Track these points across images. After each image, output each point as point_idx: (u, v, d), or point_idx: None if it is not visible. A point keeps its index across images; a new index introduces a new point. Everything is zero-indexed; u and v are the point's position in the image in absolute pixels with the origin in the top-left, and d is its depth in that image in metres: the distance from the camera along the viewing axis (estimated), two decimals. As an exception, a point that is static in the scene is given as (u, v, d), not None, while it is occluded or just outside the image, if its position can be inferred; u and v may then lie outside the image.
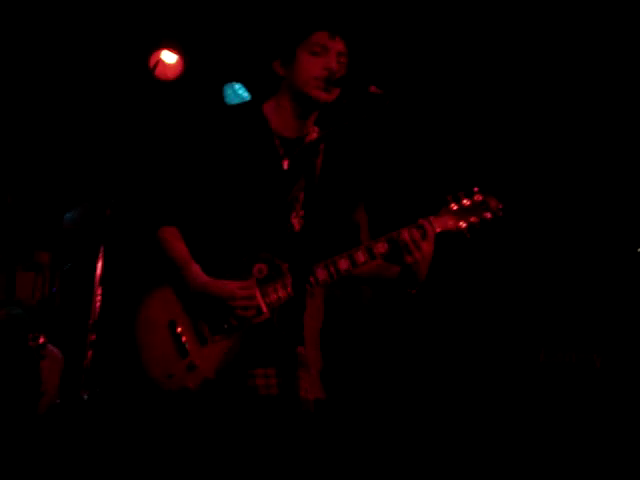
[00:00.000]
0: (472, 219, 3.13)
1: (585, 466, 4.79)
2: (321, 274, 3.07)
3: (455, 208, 3.14)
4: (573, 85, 5.39)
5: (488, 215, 3.14)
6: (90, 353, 5.11)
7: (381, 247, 3.09)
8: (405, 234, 3.06)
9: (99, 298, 5.17)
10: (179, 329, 3.07)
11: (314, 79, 3.12)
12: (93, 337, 5.14)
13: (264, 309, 3.07)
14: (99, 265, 5.21)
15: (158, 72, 5.48)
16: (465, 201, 3.14)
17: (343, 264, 3.08)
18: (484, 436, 5.14)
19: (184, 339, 3.06)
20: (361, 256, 3.08)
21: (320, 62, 3.13)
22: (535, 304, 5.38)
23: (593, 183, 5.42)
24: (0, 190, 5.38)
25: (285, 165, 3.21)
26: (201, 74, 5.59)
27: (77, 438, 4.72)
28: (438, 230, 3.10)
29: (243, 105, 3.33)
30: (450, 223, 3.13)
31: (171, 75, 5.46)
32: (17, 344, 4.89)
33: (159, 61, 5.46)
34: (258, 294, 3.07)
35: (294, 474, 3.02)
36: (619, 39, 5.19)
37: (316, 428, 3.14)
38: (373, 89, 2.99)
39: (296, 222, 3.12)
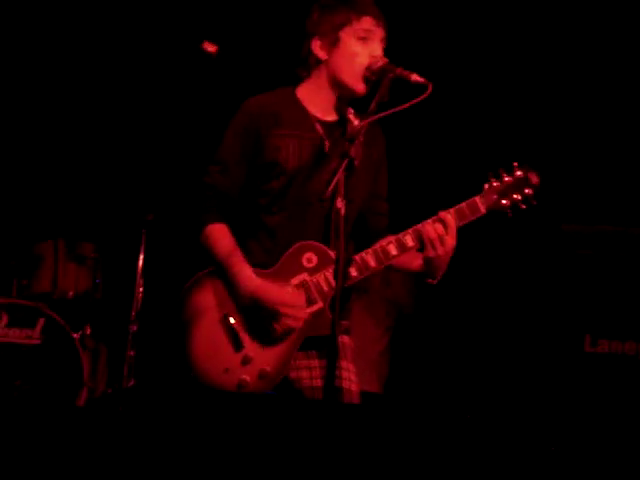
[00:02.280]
0: (515, 196, 3.08)
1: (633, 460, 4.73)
2: (353, 270, 3.06)
3: (497, 185, 3.09)
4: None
5: (530, 191, 3.09)
6: (132, 344, 5.13)
7: (410, 241, 3.07)
8: (430, 229, 3.02)
9: (141, 289, 5.19)
10: (233, 323, 3.05)
11: (360, 68, 3.08)
12: (135, 328, 5.16)
13: (317, 300, 3.06)
14: (141, 257, 5.24)
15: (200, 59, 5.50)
16: (506, 178, 3.09)
17: (371, 261, 3.07)
18: (527, 425, 5.10)
19: (238, 332, 3.05)
20: (393, 249, 3.07)
21: (366, 49, 3.09)
22: (579, 289, 5.30)
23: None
24: (41, 184, 5.42)
25: (326, 148, 3.18)
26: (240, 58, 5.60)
27: (120, 429, 4.73)
28: (483, 210, 3.07)
29: (277, 91, 3.26)
30: (493, 201, 3.08)
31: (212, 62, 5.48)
32: (61, 335, 4.93)
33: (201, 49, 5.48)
34: (309, 284, 3.06)
35: (336, 463, 3.01)
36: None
37: (359, 419, 3.13)
38: (415, 77, 2.96)
39: (342, 206, 3.06)
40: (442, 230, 3.02)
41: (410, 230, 3.07)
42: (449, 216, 3.04)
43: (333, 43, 3.12)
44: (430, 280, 3.14)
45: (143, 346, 5.11)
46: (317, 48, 3.15)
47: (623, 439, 4.76)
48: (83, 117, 5.84)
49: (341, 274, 2.84)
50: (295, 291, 3.05)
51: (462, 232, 3.07)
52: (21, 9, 5.55)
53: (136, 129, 5.78)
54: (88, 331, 5.13)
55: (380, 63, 3.05)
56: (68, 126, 5.85)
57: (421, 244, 3.05)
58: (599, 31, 5.28)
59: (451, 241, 3.03)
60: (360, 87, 3.10)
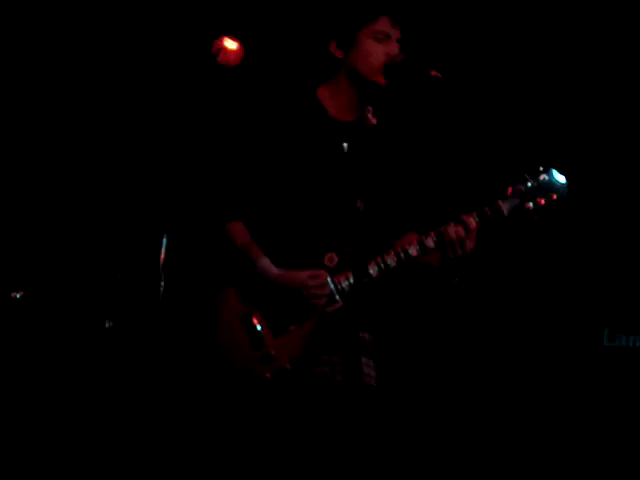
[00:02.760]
0: (539, 200, 3.09)
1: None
2: (373, 270, 3.08)
3: (521, 189, 3.10)
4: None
5: (554, 195, 3.10)
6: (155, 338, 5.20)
7: (431, 242, 3.08)
8: (451, 232, 3.04)
9: (162, 285, 5.24)
10: (254, 321, 3.09)
11: (378, 65, 3.11)
12: (156, 323, 5.21)
13: (337, 298, 3.08)
14: (162, 252, 5.29)
15: (220, 58, 5.54)
16: (530, 182, 3.10)
17: (392, 261, 3.08)
18: (547, 417, 5.12)
19: (258, 330, 3.08)
20: (414, 251, 3.08)
21: (383, 48, 3.13)
22: (598, 283, 5.32)
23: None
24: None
25: (345, 148, 3.19)
26: (259, 59, 5.62)
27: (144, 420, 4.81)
28: (506, 213, 3.08)
29: (296, 92, 3.29)
30: (516, 205, 3.09)
31: (233, 61, 5.51)
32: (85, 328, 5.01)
33: (222, 48, 5.51)
34: (330, 283, 3.08)
35: (359, 458, 3.05)
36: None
37: (377, 413, 3.16)
38: (433, 73, 3.00)
39: (361, 206, 3.11)
40: (463, 233, 3.05)
41: (432, 232, 3.08)
42: (471, 219, 3.06)
43: (350, 44, 3.16)
44: (451, 279, 3.18)
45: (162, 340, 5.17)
46: (334, 49, 3.19)
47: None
48: (100, 113, 5.87)
49: (359, 272, 2.92)
50: (315, 272, 3.07)
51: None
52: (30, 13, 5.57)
53: (151, 127, 5.83)
54: (107, 324, 5.19)
55: (398, 60, 3.09)
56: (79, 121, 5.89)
57: (441, 246, 3.07)
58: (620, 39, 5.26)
59: (470, 244, 3.06)
60: (380, 78, 3.13)
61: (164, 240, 5.26)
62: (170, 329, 5.04)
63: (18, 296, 5.13)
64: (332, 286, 3.07)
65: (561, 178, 3.11)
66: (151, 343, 5.11)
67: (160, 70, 5.75)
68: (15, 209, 5.61)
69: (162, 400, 4.91)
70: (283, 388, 3.07)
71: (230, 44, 5.52)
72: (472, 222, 3.05)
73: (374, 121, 3.25)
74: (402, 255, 3.08)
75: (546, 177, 3.10)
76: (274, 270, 3.10)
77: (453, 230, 3.04)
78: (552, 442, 5.05)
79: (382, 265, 3.08)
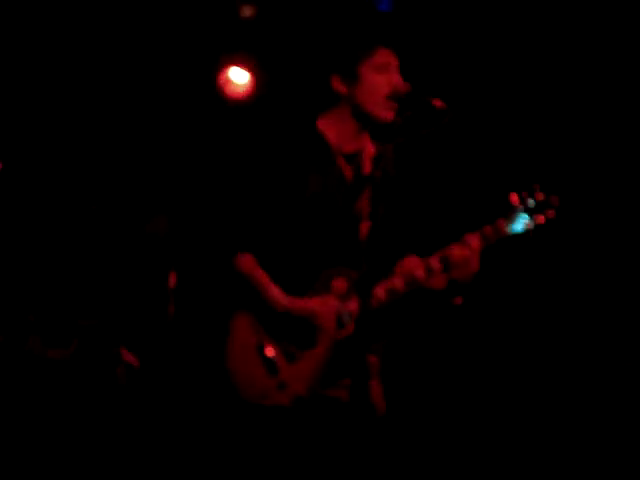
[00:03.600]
0: (538, 219, 3.17)
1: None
2: (381, 294, 3.15)
3: (521, 208, 3.18)
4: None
5: (552, 213, 3.18)
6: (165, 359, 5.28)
7: (437, 264, 3.15)
8: (456, 253, 3.12)
9: (173, 307, 5.32)
10: (267, 349, 3.16)
11: (385, 98, 3.17)
12: (167, 345, 5.29)
13: (347, 323, 3.16)
14: (172, 275, 5.37)
15: (228, 91, 5.62)
16: (530, 201, 3.17)
17: (399, 284, 3.15)
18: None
19: (273, 358, 3.14)
20: (421, 273, 3.15)
21: (385, 79, 3.19)
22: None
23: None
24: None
25: (349, 178, 3.29)
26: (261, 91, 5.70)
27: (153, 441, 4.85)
28: (506, 233, 3.15)
29: (297, 124, 3.36)
30: (517, 224, 3.17)
31: (242, 94, 5.58)
32: (98, 351, 5.05)
33: (229, 80, 5.60)
34: (339, 309, 3.16)
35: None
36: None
37: (383, 437, 3.23)
38: (438, 103, 3.04)
39: (365, 233, 3.18)
40: (468, 254, 3.13)
41: (438, 254, 3.16)
42: (475, 240, 3.14)
43: (353, 78, 3.22)
44: (454, 300, 3.25)
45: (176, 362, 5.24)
46: (337, 84, 3.25)
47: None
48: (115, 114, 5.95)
49: (366, 298, 2.98)
50: (325, 299, 3.15)
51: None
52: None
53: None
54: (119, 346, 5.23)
55: (404, 89, 3.13)
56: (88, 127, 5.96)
57: (447, 268, 3.14)
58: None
59: (475, 264, 3.14)
60: (388, 115, 3.17)
61: (174, 266, 5.36)
62: (180, 358, 5.10)
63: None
64: (342, 312, 3.15)
65: (556, 197, 3.19)
66: (160, 370, 5.18)
67: (166, 99, 5.84)
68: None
69: (172, 429, 4.96)
70: (300, 415, 3.12)
71: (239, 77, 5.59)
72: (475, 242, 3.12)
73: (374, 147, 3.31)
74: (409, 278, 3.15)
75: (542, 196, 3.18)
76: (285, 300, 3.16)
77: (458, 251, 3.12)
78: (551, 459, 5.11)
79: (389, 289, 3.15)
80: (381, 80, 3.19)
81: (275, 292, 3.18)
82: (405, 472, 3.45)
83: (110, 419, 4.95)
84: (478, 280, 3.21)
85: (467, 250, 3.12)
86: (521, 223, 3.17)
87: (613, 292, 5.36)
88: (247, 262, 3.23)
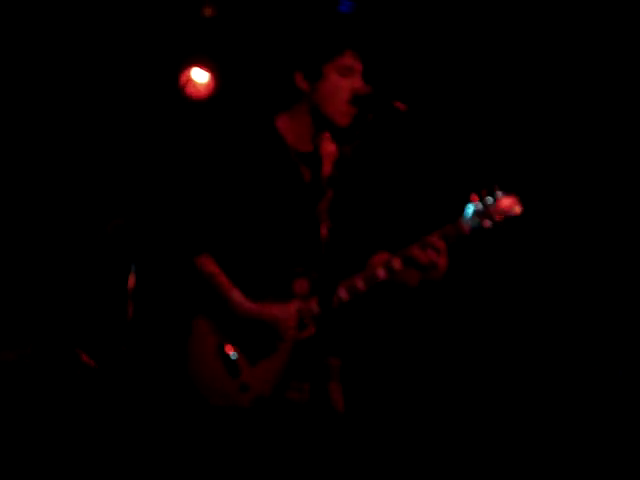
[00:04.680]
0: (497, 217, 3.20)
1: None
2: (343, 293, 3.16)
3: (480, 207, 3.20)
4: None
5: (510, 212, 3.20)
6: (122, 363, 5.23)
7: (398, 265, 3.17)
8: (420, 255, 3.14)
9: (131, 312, 5.28)
10: (229, 351, 3.14)
11: (345, 102, 3.17)
12: (124, 348, 5.25)
13: (309, 324, 3.15)
14: (131, 278, 5.33)
15: (189, 91, 5.59)
16: (488, 200, 3.20)
17: (360, 284, 3.17)
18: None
19: (234, 360, 3.13)
20: (381, 273, 3.17)
21: (348, 83, 3.19)
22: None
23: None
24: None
25: (306, 178, 3.28)
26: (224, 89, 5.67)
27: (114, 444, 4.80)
28: (467, 231, 3.19)
29: (255, 121, 3.35)
30: (477, 223, 3.20)
31: (203, 94, 5.56)
32: (54, 353, 4.99)
33: (190, 79, 5.57)
34: (301, 310, 3.15)
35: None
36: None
37: (342, 439, 3.23)
38: (397, 104, 3.06)
39: (325, 234, 3.15)
40: (435, 255, 3.15)
41: (398, 254, 3.17)
42: (438, 241, 3.15)
43: (316, 77, 3.22)
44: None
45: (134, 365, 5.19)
46: (300, 81, 3.25)
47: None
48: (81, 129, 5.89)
49: (327, 298, 2.97)
50: (286, 307, 3.14)
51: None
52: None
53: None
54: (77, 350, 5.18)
55: (364, 92, 3.15)
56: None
57: (412, 266, 3.16)
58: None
59: (443, 262, 3.17)
60: (344, 119, 3.20)
61: (133, 267, 5.31)
62: (140, 360, 5.06)
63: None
64: (303, 313, 3.14)
65: (516, 197, 3.22)
66: (121, 370, 5.14)
67: (125, 99, 5.79)
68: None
69: (132, 423, 4.92)
70: (261, 417, 3.11)
71: (200, 77, 5.57)
72: (441, 243, 3.14)
73: (332, 147, 3.30)
74: (370, 278, 3.16)
75: (502, 195, 3.20)
76: (246, 304, 3.15)
77: (422, 253, 3.13)
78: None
79: (351, 288, 3.16)
80: (344, 83, 3.19)
81: (236, 295, 3.16)
82: (365, 472, 3.43)
83: (68, 421, 4.89)
84: (448, 277, 3.25)
85: (433, 252, 3.13)
86: (474, 219, 3.19)
87: (574, 288, 5.39)
88: (207, 264, 3.21)
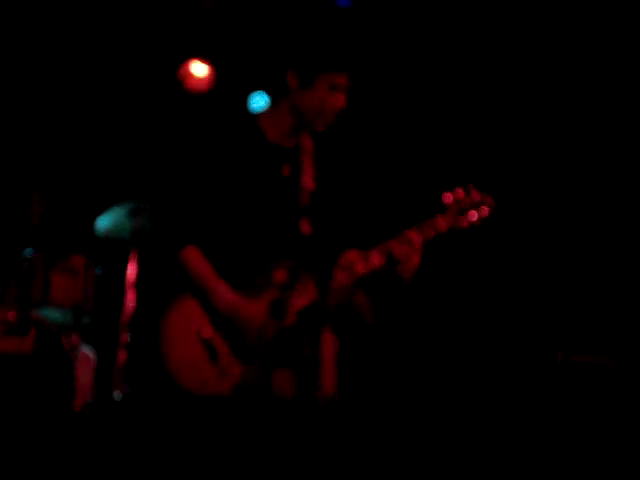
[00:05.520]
0: (470, 215, 3.27)
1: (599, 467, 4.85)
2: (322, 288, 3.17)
3: (454, 206, 3.27)
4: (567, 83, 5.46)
5: (486, 211, 3.28)
6: (122, 354, 5.28)
7: (376, 260, 3.21)
8: (396, 248, 3.18)
9: (132, 300, 5.33)
10: (210, 336, 3.15)
11: (329, 114, 3.27)
12: (124, 338, 5.31)
13: (289, 315, 3.18)
14: (132, 268, 5.38)
15: (189, 84, 5.63)
16: (464, 197, 3.27)
17: (341, 277, 3.21)
18: (497, 437, 5.21)
19: (214, 346, 3.14)
20: (360, 268, 3.21)
21: (335, 99, 3.26)
22: (552, 304, 5.44)
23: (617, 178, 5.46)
24: (35, 195, 5.52)
25: (286, 172, 3.33)
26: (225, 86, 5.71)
27: (109, 437, 4.84)
28: (443, 229, 3.24)
29: (238, 115, 3.41)
30: (453, 220, 3.26)
31: (202, 87, 5.59)
32: (52, 345, 5.04)
33: (189, 73, 5.61)
34: (281, 299, 3.18)
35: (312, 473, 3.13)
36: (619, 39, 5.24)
37: (332, 427, 3.24)
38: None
39: (306, 227, 3.19)
40: (408, 249, 3.19)
41: (376, 248, 3.21)
42: (415, 235, 3.20)
43: (307, 82, 3.27)
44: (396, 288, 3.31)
45: (133, 355, 5.24)
46: (291, 79, 3.29)
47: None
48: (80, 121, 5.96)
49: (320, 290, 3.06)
50: (263, 308, 3.16)
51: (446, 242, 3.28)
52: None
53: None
54: (75, 341, 5.21)
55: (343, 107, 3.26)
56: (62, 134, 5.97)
57: (388, 262, 3.20)
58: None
59: (416, 259, 3.20)
60: (322, 128, 3.30)
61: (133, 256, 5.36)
62: (141, 341, 5.09)
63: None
64: (280, 303, 3.17)
65: (490, 197, 3.30)
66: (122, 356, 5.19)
67: (120, 91, 5.86)
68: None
69: (132, 413, 4.97)
70: (240, 404, 3.12)
71: (199, 70, 5.60)
72: (416, 237, 3.18)
73: (310, 146, 3.34)
74: (349, 271, 3.20)
75: (477, 194, 3.29)
76: (230, 295, 3.16)
77: (398, 246, 3.18)
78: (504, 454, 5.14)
79: (329, 283, 3.18)
80: (330, 100, 3.27)
81: (221, 288, 3.18)
82: (351, 462, 3.46)
83: (66, 410, 4.95)
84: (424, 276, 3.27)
85: (407, 246, 3.18)
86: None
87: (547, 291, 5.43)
88: (192, 255, 3.23)
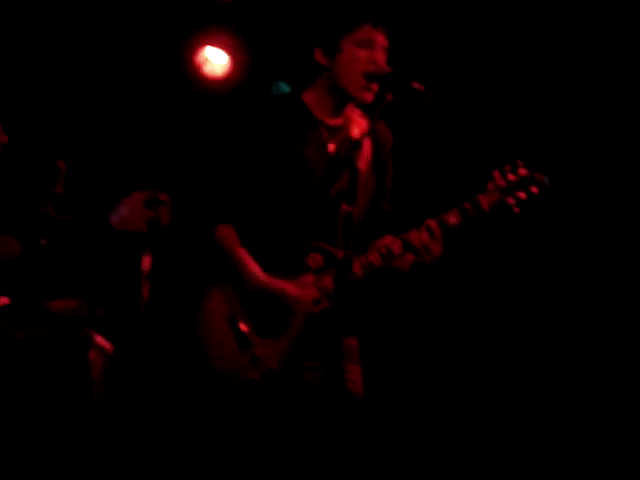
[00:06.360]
0: (519, 194, 3.12)
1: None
2: (357, 269, 3.11)
3: (502, 184, 3.13)
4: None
5: (536, 190, 3.12)
6: (137, 344, 5.21)
7: (397, 249, 3.12)
8: (415, 238, 3.09)
9: (147, 291, 5.26)
10: (240, 323, 3.12)
11: (361, 75, 3.14)
12: (139, 329, 5.24)
13: (323, 299, 3.11)
14: (146, 259, 5.31)
15: (207, 70, 5.58)
16: (511, 176, 3.13)
17: (376, 260, 3.12)
18: (512, 436, 5.16)
19: (246, 332, 3.11)
20: (376, 260, 3.12)
21: (366, 55, 3.14)
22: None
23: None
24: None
25: (332, 151, 3.25)
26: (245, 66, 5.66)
27: (128, 425, 4.80)
28: (487, 208, 3.11)
29: (282, 97, 3.36)
30: (497, 199, 3.13)
31: (220, 73, 5.54)
32: (68, 335, 4.99)
33: (207, 59, 5.55)
34: (315, 284, 3.11)
35: (340, 464, 3.09)
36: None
37: (361, 420, 3.19)
38: (415, 85, 3.04)
39: (345, 210, 3.15)
40: (427, 239, 3.09)
41: (398, 238, 3.12)
42: (435, 225, 3.10)
43: (334, 51, 3.19)
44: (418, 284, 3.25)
45: (148, 347, 5.18)
46: (319, 56, 3.22)
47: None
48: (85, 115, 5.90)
49: (346, 274, 2.98)
50: (300, 283, 3.11)
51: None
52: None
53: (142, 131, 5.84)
54: (90, 331, 5.17)
55: (381, 71, 3.12)
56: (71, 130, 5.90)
57: (409, 251, 3.12)
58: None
59: (437, 249, 3.10)
60: (362, 95, 3.17)
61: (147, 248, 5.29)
62: (156, 333, 5.05)
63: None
64: (318, 287, 3.11)
65: (541, 173, 3.14)
66: (137, 347, 5.12)
67: (146, 76, 5.79)
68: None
69: (147, 404, 4.92)
70: (270, 391, 3.08)
71: (217, 57, 5.55)
72: (435, 227, 3.08)
73: (362, 125, 3.27)
74: (386, 253, 3.12)
75: (526, 171, 3.13)
76: (261, 277, 3.12)
77: (416, 235, 3.09)
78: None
79: (366, 264, 3.12)
80: (362, 55, 3.15)
81: (253, 268, 3.13)
82: (374, 456, 3.40)
83: (82, 402, 4.88)
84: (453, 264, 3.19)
85: (427, 235, 3.09)
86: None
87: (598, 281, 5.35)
88: (227, 234, 3.20)
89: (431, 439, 5.30)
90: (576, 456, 4.97)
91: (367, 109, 3.28)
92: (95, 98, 5.86)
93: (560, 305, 5.41)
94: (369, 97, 3.17)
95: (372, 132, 3.25)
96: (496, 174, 3.13)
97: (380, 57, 3.16)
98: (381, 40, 3.18)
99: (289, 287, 3.10)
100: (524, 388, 5.29)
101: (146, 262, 5.32)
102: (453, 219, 3.10)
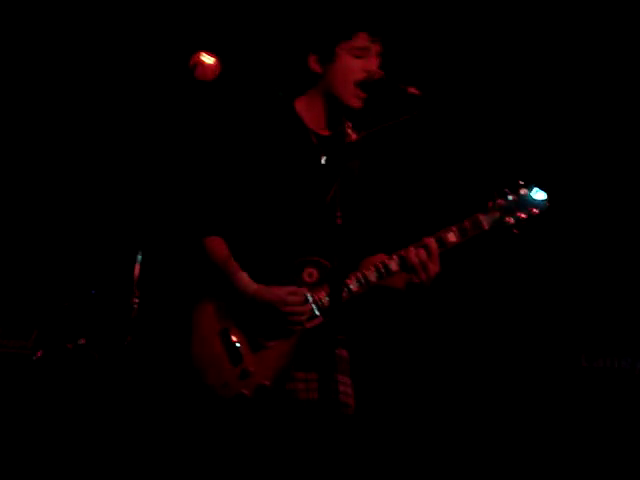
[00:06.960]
0: (519, 214, 3.09)
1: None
2: (353, 285, 3.06)
3: (501, 203, 3.09)
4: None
5: (535, 210, 3.09)
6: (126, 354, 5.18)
7: (394, 266, 3.07)
8: (412, 256, 3.03)
9: (137, 301, 5.22)
10: (232, 337, 3.05)
11: (354, 84, 3.10)
12: (129, 339, 5.20)
13: (317, 313, 3.05)
14: (136, 269, 5.27)
15: (198, 73, 5.53)
16: (511, 196, 3.09)
17: (372, 276, 3.06)
18: (522, 441, 5.11)
19: (237, 346, 3.04)
20: (372, 276, 3.06)
21: (361, 64, 3.11)
22: (576, 308, 5.34)
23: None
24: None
25: (324, 162, 3.19)
26: (237, 73, 5.62)
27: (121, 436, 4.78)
28: (486, 227, 3.07)
29: (275, 104, 3.28)
30: (497, 219, 3.08)
31: (210, 76, 5.51)
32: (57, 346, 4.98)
33: (198, 62, 5.51)
34: (309, 298, 3.04)
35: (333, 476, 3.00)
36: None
37: (356, 432, 3.13)
38: (412, 90, 2.99)
39: (340, 221, 3.01)
40: (425, 257, 3.03)
41: (394, 255, 3.07)
42: (433, 242, 3.04)
43: (329, 58, 3.14)
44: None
45: (137, 356, 5.14)
46: (313, 63, 3.18)
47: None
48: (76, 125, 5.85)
49: (338, 287, 2.87)
50: (295, 289, 3.04)
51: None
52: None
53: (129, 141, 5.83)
54: (81, 342, 5.15)
55: (375, 77, 3.08)
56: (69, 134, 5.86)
57: (405, 269, 3.06)
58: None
59: (434, 267, 3.04)
60: (354, 102, 3.13)
61: (139, 256, 5.25)
62: (146, 346, 5.01)
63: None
64: (312, 302, 3.04)
65: (541, 194, 3.11)
66: (126, 360, 5.08)
67: (137, 83, 5.75)
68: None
69: (136, 417, 4.88)
70: (261, 406, 3.02)
71: (207, 59, 5.53)
72: (433, 245, 3.03)
73: (354, 137, 3.23)
74: (382, 270, 3.06)
75: (526, 192, 3.10)
76: (253, 286, 3.06)
77: (414, 253, 3.03)
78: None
79: (362, 280, 3.06)
80: (356, 64, 3.12)
81: (244, 277, 3.07)
82: (367, 469, 3.34)
83: (72, 410, 4.84)
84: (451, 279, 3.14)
85: (424, 252, 3.03)
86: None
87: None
88: (217, 244, 3.13)
89: (422, 450, 5.26)
90: (576, 456, 4.92)
91: (358, 125, 3.24)
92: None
93: (556, 313, 5.37)
94: (357, 103, 3.12)
95: (367, 147, 3.22)
96: (496, 193, 3.10)
97: (374, 64, 3.13)
98: (376, 48, 3.15)
99: (283, 292, 3.03)
100: (515, 405, 5.24)
101: (136, 271, 5.30)
102: (452, 237, 3.05)
